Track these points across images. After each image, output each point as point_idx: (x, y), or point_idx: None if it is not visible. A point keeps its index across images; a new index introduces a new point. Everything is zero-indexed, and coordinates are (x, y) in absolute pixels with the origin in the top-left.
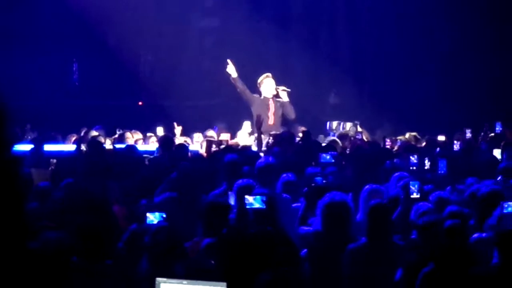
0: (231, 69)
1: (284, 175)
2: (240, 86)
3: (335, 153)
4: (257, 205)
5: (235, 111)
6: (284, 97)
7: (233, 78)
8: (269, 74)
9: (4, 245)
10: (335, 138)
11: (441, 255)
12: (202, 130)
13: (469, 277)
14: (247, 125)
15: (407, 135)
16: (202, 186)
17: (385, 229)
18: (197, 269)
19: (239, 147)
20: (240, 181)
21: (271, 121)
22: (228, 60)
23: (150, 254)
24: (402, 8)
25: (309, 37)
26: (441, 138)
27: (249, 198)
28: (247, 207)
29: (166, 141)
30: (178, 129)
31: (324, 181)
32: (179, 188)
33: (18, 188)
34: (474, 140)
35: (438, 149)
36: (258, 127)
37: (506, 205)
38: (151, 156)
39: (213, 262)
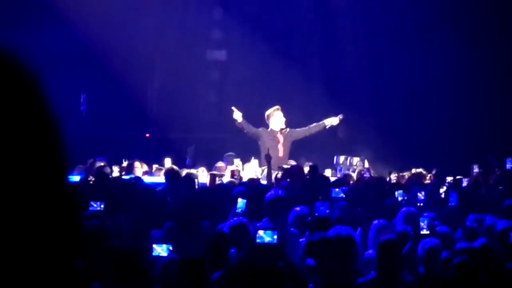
0: (237, 115)
1: (298, 208)
2: (246, 127)
3: (346, 188)
4: (268, 239)
5: (242, 144)
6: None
7: (239, 123)
8: (279, 107)
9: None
10: (349, 172)
11: None
12: (209, 163)
13: None
14: (255, 163)
15: (413, 171)
16: (203, 215)
17: (395, 265)
18: None
19: (246, 180)
20: (234, 219)
21: (280, 153)
22: (233, 108)
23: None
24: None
25: (316, 70)
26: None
27: (260, 232)
28: (258, 241)
29: (172, 173)
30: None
31: (327, 211)
32: (179, 217)
33: (76, 223)
34: (483, 176)
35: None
36: (268, 160)
37: None
38: (159, 188)
39: None
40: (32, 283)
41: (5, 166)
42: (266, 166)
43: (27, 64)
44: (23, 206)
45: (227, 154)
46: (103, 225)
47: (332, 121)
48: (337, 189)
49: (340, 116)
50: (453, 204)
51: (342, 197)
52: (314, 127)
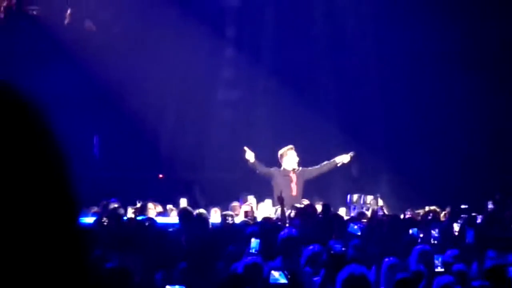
0: (249, 155)
1: (311, 247)
2: (258, 167)
3: (363, 225)
4: (282, 281)
5: (255, 184)
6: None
7: (251, 163)
8: (292, 147)
9: None
10: (363, 210)
11: None
12: (222, 203)
13: None
14: (268, 203)
15: (426, 209)
16: (217, 255)
17: None
18: None
19: (260, 220)
20: (248, 259)
21: (293, 192)
22: (245, 148)
23: None
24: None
25: (329, 108)
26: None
27: (275, 274)
28: (271, 282)
29: (186, 214)
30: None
31: (343, 249)
32: (192, 257)
33: (85, 272)
34: (497, 212)
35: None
36: (281, 202)
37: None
38: (172, 229)
39: None
40: None
41: (14, 208)
42: (279, 206)
43: (36, 104)
44: (31, 249)
45: (243, 194)
46: (122, 266)
47: (343, 158)
48: (355, 226)
49: (351, 154)
50: (470, 241)
51: (357, 234)
52: (325, 165)
